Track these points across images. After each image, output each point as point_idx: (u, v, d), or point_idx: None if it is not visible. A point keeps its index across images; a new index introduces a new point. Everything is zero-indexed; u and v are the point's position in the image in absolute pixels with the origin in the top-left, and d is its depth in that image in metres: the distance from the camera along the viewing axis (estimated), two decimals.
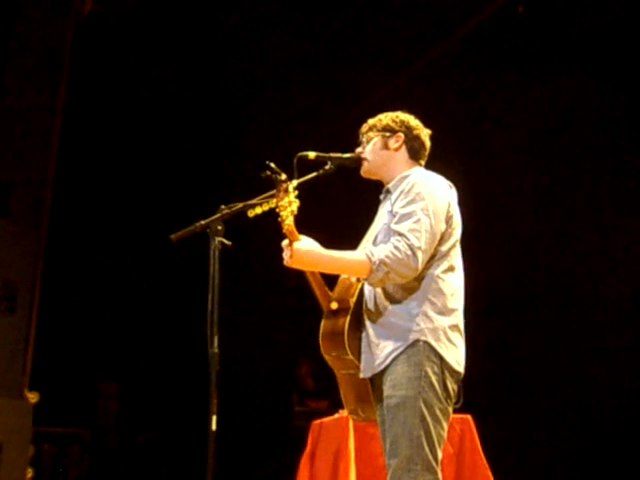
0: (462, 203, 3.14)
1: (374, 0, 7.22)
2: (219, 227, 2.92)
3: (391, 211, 3.01)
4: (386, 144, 3.19)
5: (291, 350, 8.54)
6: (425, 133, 3.24)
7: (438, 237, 2.95)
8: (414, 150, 3.21)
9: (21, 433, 6.16)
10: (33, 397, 6.24)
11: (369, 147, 3.21)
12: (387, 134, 3.19)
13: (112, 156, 8.77)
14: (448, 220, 3.00)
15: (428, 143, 3.25)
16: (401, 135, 3.19)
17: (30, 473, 6.22)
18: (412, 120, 3.23)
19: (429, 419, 2.83)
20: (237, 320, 8.03)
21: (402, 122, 3.21)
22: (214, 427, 2.76)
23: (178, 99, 8.55)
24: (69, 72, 6.91)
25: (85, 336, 8.76)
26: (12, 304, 6.35)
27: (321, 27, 7.66)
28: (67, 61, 6.88)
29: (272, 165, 2.85)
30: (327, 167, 3.14)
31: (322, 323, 3.10)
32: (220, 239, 2.91)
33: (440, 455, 2.87)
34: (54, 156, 6.78)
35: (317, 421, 5.05)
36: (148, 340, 8.98)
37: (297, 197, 2.86)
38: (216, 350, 2.81)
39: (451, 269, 3.01)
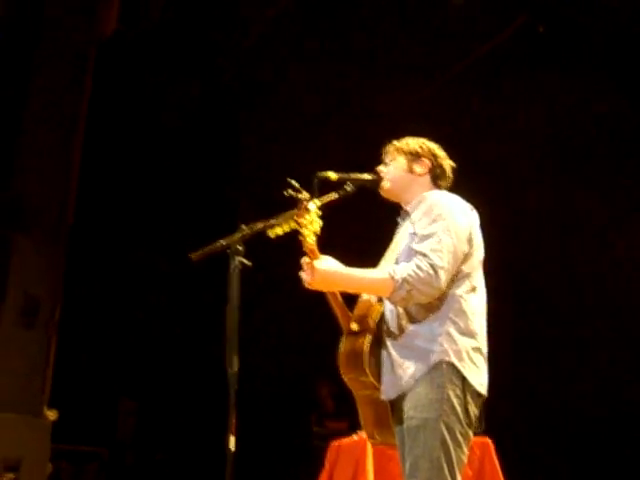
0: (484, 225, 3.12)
1: (389, 17, 7.26)
2: (239, 247, 2.91)
3: (413, 232, 3.00)
4: (411, 168, 3.20)
5: (310, 370, 8.50)
6: (448, 164, 3.25)
7: (461, 257, 2.95)
8: (436, 177, 3.22)
9: (39, 451, 6.13)
10: (52, 415, 6.22)
11: (392, 167, 3.22)
12: (413, 158, 3.20)
13: (133, 173, 8.82)
14: (469, 241, 3.00)
15: (451, 174, 3.25)
16: (427, 162, 3.20)
17: None
18: (438, 149, 3.25)
19: (450, 442, 2.81)
20: (257, 340, 8.03)
21: (429, 149, 3.23)
22: (232, 447, 2.75)
23: (198, 118, 8.60)
24: (92, 91, 6.97)
25: (104, 354, 8.78)
26: (33, 319, 6.36)
27: (335, 48, 7.70)
28: (90, 80, 6.93)
29: (294, 183, 2.85)
30: (348, 188, 3.14)
31: (342, 344, 3.08)
32: (240, 259, 2.89)
33: (459, 479, 2.84)
34: (76, 173, 6.82)
35: (335, 442, 5.00)
36: (167, 358, 8.98)
37: (319, 217, 2.86)
38: (235, 370, 2.79)
39: (473, 290, 2.99)
